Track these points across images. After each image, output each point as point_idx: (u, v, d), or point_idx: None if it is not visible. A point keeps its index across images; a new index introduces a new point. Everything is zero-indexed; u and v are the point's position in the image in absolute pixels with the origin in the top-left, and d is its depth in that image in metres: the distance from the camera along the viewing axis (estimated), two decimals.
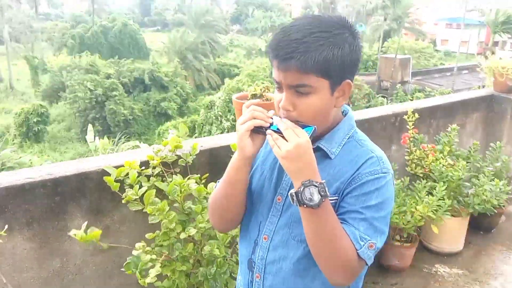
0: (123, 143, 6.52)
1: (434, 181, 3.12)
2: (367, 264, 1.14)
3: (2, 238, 1.96)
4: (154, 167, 2.17)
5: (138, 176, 2.09)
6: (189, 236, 1.97)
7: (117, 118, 25.50)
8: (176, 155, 2.26)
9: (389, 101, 21.23)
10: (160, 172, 2.20)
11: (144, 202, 1.99)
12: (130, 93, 27.48)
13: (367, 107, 21.94)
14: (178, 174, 2.21)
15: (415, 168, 3.17)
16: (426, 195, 2.89)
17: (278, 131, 1.11)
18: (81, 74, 27.69)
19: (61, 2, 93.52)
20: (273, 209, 1.24)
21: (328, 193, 1.06)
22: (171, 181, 2.13)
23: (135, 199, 1.99)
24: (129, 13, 77.09)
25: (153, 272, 1.83)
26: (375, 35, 40.60)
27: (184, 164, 2.26)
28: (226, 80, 24.05)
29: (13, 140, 25.38)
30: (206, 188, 2.16)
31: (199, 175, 2.27)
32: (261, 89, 2.50)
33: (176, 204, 2.13)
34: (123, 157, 2.23)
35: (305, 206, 1.05)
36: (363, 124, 3.16)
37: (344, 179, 1.15)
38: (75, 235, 1.75)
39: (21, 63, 38.55)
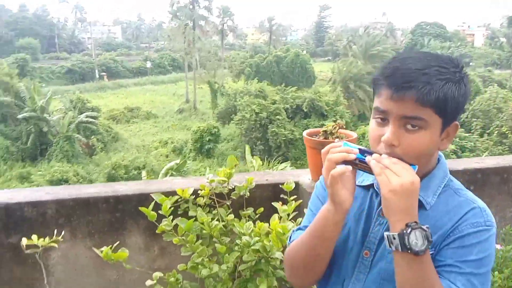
0: (279, 162, 6.87)
1: None
2: None
3: (67, 244, 2.20)
4: (203, 197, 2.18)
5: (186, 204, 2.13)
6: (213, 274, 1.91)
7: (278, 140, 26.74)
8: (230, 187, 2.23)
9: None
10: (211, 203, 2.21)
11: (178, 233, 2.00)
12: (292, 118, 28.54)
13: None
14: (222, 207, 2.18)
15: None
16: None
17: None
18: (251, 98, 29.89)
19: (245, 34, 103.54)
20: (360, 265, 1.13)
21: (432, 240, 0.97)
22: (215, 213, 2.11)
23: (170, 230, 2.01)
24: (303, 44, 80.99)
25: None
26: None
27: (236, 198, 2.22)
28: None
29: (189, 154, 28.82)
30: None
31: (251, 210, 2.21)
32: (333, 126, 2.32)
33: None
34: (187, 183, 2.31)
35: (409, 251, 0.95)
36: (475, 174, 2.67)
37: (442, 233, 1.06)
38: (101, 251, 1.84)
39: (205, 87, 43.66)
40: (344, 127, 2.35)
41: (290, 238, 1.26)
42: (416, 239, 0.95)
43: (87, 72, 56.24)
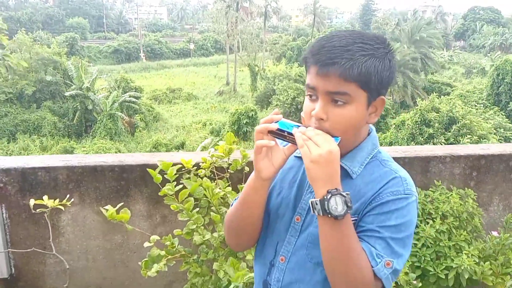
0: None
1: None
2: (384, 287, 1.07)
3: (76, 208, 2.39)
4: (205, 169, 2.29)
5: (188, 175, 2.25)
6: (205, 241, 2.03)
7: None
8: (230, 163, 2.34)
9: None
10: (211, 175, 2.32)
11: (179, 198, 2.13)
12: None
13: None
14: (221, 180, 2.28)
15: None
16: None
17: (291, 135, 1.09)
18: (289, 82, 29.71)
19: (289, 16, 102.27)
20: (291, 229, 1.21)
21: (351, 205, 1.02)
22: (215, 184, 2.22)
23: (172, 194, 2.14)
24: (348, 27, 79.03)
25: (155, 267, 1.95)
26: None
27: (233, 171, 2.32)
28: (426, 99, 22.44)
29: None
30: None
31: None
32: None
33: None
34: (189, 156, 2.43)
35: (329, 215, 1.01)
36: (478, 160, 2.64)
37: (364, 200, 1.11)
38: (106, 210, 2.00)
39: (245, 70, 43.75)
40: None
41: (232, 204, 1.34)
42: (336, 204, 1.00)
43: (132, 52, 57.68)
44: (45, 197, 2.12)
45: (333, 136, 1.07)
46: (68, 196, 2.20)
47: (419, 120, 16.28)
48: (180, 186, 2.17)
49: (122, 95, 28.67)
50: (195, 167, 2.29)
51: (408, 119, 16.75)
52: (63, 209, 2.18)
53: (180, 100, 38.66)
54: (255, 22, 53.37)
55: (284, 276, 1.20)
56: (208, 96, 40.81)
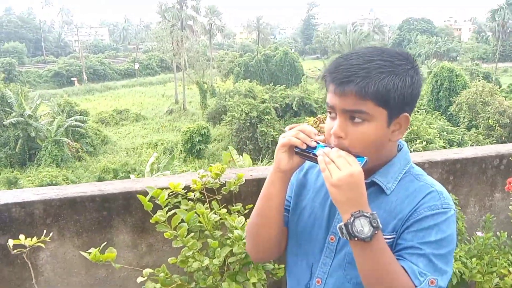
0: (267, 163, 6.97)
1: None
2: None
3: (56, 244, 2.23)
4: (194, 191, 2.21)
5: (176, 198, 2.16)
6: (202, 267, 1.95)
7: (266, 139, 26.82)
8: (221, 183, 2.27)
9: None
10: (202, 197, 2.24)
11: (172, 225, 2.04)
12: (282, 117, 28.66)
13: None
14: (212, 202, 2.22)
15: None
16: None
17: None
18: (240, 98, 29.90)
19: (234, 33, 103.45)
20: (326, 250, 1.18)
21: (380, 225, 1.01)
22: (207, 207, 2.15)
23: (164, 221, 2.04)
24: (291, 42, 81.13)
25: None
26: None
27: (226, 193, 2.26)
28: None
29: (179, 155, 28.74)
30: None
31: (240, 205, 2.25)
32: (314, 121, 2.38)
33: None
34: (173, 180, 2.34)
35: (356, 239, 1.00)
36: (454, 165, 2.74)
37: (402, 216, 1.10)
38: (89, 253, 1.87)
39: (194, 88, 43.56)
40: (324, 121, 2.40)
41: None
42: (361, 227, 1.00)
43: (74, 75, 55.85)
44: (22, 236, 1.96)
45: (357, 156, 1.06)
46: (45, 232, 2.04)
47: None
48: (172, 212, 2.08)
49: (67, 120, 27.62)
50: (184, 190, 2.21)
51: None
52: (44, 246, 2.02)
53: (128, 122, 37.80)
54: (201, 40, 53.50)
55: None
56: (157, 115, 40.18)
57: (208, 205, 2.21)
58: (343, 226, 1.02)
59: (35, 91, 39.45)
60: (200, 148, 28.61)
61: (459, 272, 2.33)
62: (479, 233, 2.48)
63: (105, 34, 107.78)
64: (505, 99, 25.19)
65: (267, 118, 27.25)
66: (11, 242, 1.87)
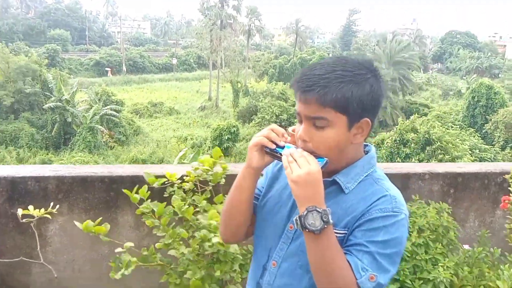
0: None
1: None
2: None
3: (65, 218, 2.41)
4: (187, 182, 2.34)
5: (172, 188, 2.30)
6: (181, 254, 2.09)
7: None
8: (211, 175, 2.40)
9: None
10: (195, 188, 2.37)
11: (156, 215, 2.16)
12: None
13: None
14: (203, 193, 2.34)
15: None
16: None
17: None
18: (272, 100, 30.02)
19: (272, 35, 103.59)
20: (284, 236, 1.30)
21: (330, 220, 1.11)
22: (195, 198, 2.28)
23: (149, 212, 2.17)
24: (329, 47, 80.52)
25: (122, 270, 2.00)
26: None
27: (214, 184, 2.38)
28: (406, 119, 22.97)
29: (207, 151, 29.10)
30: None
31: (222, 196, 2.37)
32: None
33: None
34: (176, 169, 2.48)
35: (307, 230, 1.11)
36: (455, 178, 2.76)
37: (355, 215, 1.18)
38: (83, 224, 2.03)
39: (228, 86, 44.00)
40: None
41: None
42: (313, 220, 1.10)
43: (114, 65, 57.41)
44: (31, 207, 2.14)
45: (319, 157, 1.17)
46: (52, 204, 2.22)
47: (398, 139, 16.67)
48: (154, 202, 2.21)
49: (103, 108, 28.45)
50: (180, 181, 2.34)
51: (388, 138, 17.13)
52: (50, 218, 2.19)
53: (162, 114, 38.55)
54: (239, 39, 53.94)
55: (275, 280, 1.29)
56: (190, 111, 40.82)
57: (199, 195, 2.33)
58: (297, 218, 1.13)
59: (75, 78, 40.80)
60: (228, 145, 28.87)
61: (447, 281, 2.36)
62: (466, 246, 2.50)
63: (147, 27, 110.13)
64: None
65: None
66: (20, 212, 2.05)
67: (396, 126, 18.08)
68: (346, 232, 1.19)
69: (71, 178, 2.37)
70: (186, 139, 31.91)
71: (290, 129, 1.30)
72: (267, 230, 1.34)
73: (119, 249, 2.08)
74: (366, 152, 1.29)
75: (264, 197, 1.38)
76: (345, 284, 1.11)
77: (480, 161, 17.44)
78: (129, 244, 2.10)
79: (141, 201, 2.19)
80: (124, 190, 2.09)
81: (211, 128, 30.77)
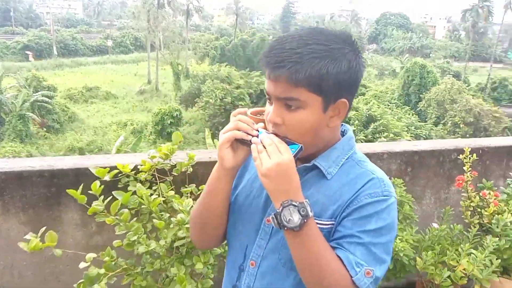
0: None
1: (497, 236, 2.58)
2: None
3: None
4: (144, 172, 2.14)
5: (127, 179, 2.09)
6: (151, 250, 1.90)
7: None
8: (172, 164, 2.21)
9: None
10: (153, 179, 2.18)
11: (111, 211, 1.94)
12: (256, 103, 28.49)
13: None
14: (164, 184, 2.16)
15: (471, 217, 2.65)
16: (472, 247, 2.41)
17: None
18: (217, 83, 29.52)
19: (211, 15, 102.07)
20: (262, 232, 1.14)
21: (310, 213, 0.97)
22: (156, 188, 2.09)
23: (103, 211, 1.94)
24: (269, 29, 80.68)
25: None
26: None
27: (177, 174, 2.20)
28: None
29: (149, 136, 28.31)
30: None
31: (193, 186, 2.20)
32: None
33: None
34: (126, 159, 2.26)
35: (285, 228, 0.98)
36: (412, 156, 2.76)
37: (341, 202, 1.06)
38: (27, 243, 1.78)
39: (167, 68, 42.81)
40: None
41: None
42: (290, 216, 0.97)
43: (44, 48, 53.96)
44: None
45: (291, 144, 1.03)
46: None
47: None
48: (116, 192, 2.01)
49: (34, 94, 26.69)
50: (134, 171, 2.14)
51: None
52: None
53: (98, 99, 36.89)
54: (177, 20, 52.50)
55: (255, 282, 1.15)
56: (129, 95, 39.36)
57: (158, 186, 2.14)
58: (273, 215, 0.99)
59: (1, 63, 37.91)
60: (171, 130, 28.17)
61: (409, 257, 2.37)
62: (435, 225, 2.51)
63: (79, 8, 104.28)
64: (472, 98, 25.88)
65: (241, 104, 27.06)
66: None
67: None
68: (333, 223, 1.06)
69: (4, 173, 2.09)
70: (126, 125, 30.84)
71: (260, 125, 1.12)
72: (241, 226, 1.19)
73: (83, 264, 1.84)
74: (342, 133, 1.17)
75: (235, 190, 1.22)
76: (337, 282, 1.00)
77: (416, 137, 18.33)
78: (92, 255, 1.86)
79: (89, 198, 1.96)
80: (69, 191, 1.85)
81: (152, 112, 29.89)
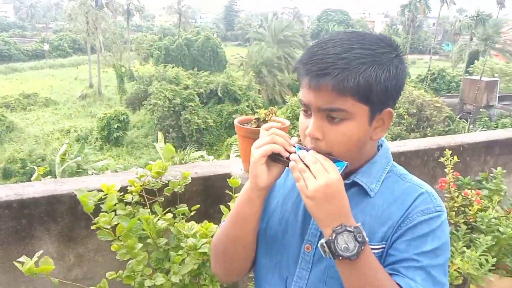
0: (193, 152, 6.63)
1: (483, 233, 2.60)
2: None
3: None
4: (133, 193, 1.93)
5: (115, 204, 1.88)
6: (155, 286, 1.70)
7: (191, 127, 26.24)
8: (163, 183, 2.02)
9: (471, 126, 19.68)
10: (142, 200, 1.98)
11: (117, 233, 1.74)
12: (206, 104, 28.19)
13: (446, 132, 20.50)
14: (155, 205, 1.96)
15: (456, 217, 2.66)
16: (464, 246, 2.41)
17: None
18: (164, 84, 28.84)
19: (153, 15, 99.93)
20: (302, 261, 1.02)
21: (366, 239, 0.88)
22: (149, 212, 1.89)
23: (107, 229, 1.74)
24: (213, 27, 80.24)
25: None
26: (461, 55, 38.20)
27: (169, 194, 2.02)
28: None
29: (95, 142, 27.22)
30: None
31: (186, 208, 2.02)
32: (265, 113, 2.20)
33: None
34: (105, 180, 2.04)
35: (340, 258, 0.87)
36: (398, 157, 2.73)
37: (391, 223, 0.96)
38: (22, 264, 1.54)
39: (110, 71, 41.37)
40: (276, 113, 2.25)
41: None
42: (345, 243, 0.87)
43: None
44: None
45: (336, 161, 0.92)
46: None
47: (291, 115, 17.32)
48: (118, 216, 1.79)
49: None
50: (120, 192, 1.93)
51: (281, 115, 17.69)
52: None
53: (37, 107, 35.05)
54: (118, 20, 50.86)
55: None
56: (70, 100, 37.67)
57: (149, 209, 1.95)
58: (324, 244, 0.88)
59: None
60: (118, 135, 27.29)
61: None
62: None
63: (10, 10, 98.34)
64: (414, 89, 27.01)
65: (191, 105, 26.66)
66: None
67: (287, 103, 18.72)
68: (384, 246, 0.96)
69: None
70: (69, 132, 29.55)
71: (293, 140, 1.00)
72: (276, 255, 1.06)
73: None
74: (379, 146, 1.08)
75: (264, 214, 1.08)
76: None
77: None
78: None
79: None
80: (80, 198, 1.63)
81: (97, 117, 28.77)
